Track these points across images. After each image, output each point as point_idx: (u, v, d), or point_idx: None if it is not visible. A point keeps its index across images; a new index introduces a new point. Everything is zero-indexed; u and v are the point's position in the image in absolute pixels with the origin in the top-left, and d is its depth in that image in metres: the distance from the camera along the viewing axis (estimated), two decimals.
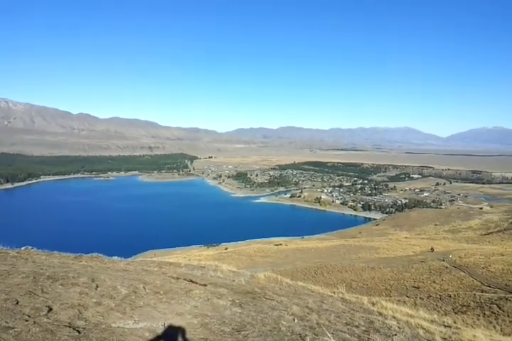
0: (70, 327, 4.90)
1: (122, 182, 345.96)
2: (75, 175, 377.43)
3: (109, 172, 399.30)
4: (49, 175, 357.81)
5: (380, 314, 9.95)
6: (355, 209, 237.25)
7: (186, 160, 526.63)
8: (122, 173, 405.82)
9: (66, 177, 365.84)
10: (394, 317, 9.81)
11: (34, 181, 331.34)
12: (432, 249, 77.17)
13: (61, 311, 5.41)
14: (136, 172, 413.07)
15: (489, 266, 48.23)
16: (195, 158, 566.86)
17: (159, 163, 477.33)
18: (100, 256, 11.98)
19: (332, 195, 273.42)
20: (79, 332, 4.80)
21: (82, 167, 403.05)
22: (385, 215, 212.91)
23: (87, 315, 5.52)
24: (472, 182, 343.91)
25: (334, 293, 12.21)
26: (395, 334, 7.46)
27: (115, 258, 12.53)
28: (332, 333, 6.43)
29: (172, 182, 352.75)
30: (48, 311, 5.32)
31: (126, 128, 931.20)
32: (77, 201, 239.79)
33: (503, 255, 57.63)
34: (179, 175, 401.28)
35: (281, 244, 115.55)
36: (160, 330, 5.47)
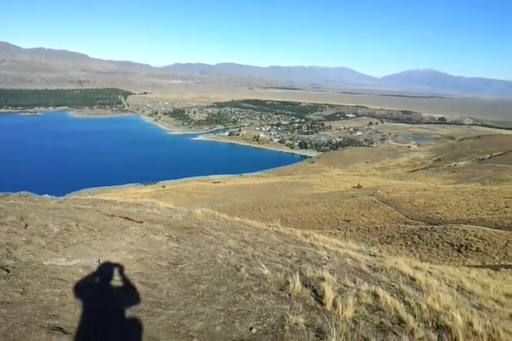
0: None
1: (51, 118, 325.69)
2: None
3: (36, 108, 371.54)
4: None
5: (312, 245, 10.48)
6: (292, 148, 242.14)
7: (120, 96, 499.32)
8: (51, 108, 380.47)
9: None
10: (325, 248, 10.39)
11: None
12: (360, 186, 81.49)
13: None
14: (66, 107, 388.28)
15: (413, 200, 52.00)
16: (130, 93, 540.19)
17: (91, 98, 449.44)
18: (29, 194, 11.45)
19: (270, 134, 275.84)
20: (8, 271, 4.64)
21: (5, 101, 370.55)
22: (320, 153, 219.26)
23: (17, 254, 5.33)
24: (403, 122, 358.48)
25: (270, 226, 12.63)
26: (325, 264, 7.93)
27: (46, 196, 12.04)
28: (266, 264, 6.69)
29: (105, 118, 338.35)
30: None
31: (53, 60, 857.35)
32: (3, 138, 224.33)
33: (425, 190, 62.17)
34: (112, 111, 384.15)
35: (219, 182, 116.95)
36: (94, 266, 5.41)
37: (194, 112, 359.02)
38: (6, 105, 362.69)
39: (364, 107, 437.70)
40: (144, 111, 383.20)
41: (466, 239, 29.13)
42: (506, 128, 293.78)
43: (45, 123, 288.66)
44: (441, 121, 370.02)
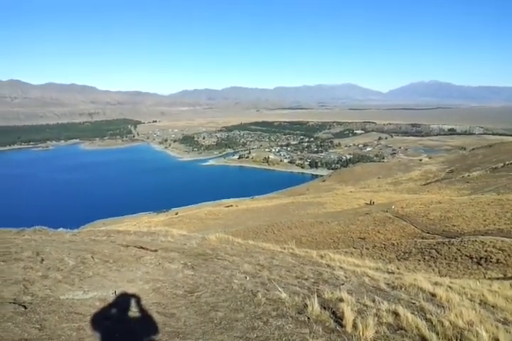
0: (15, 303, 4.75)
1: (63, 151, 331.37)
2: (11, 147, 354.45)
3: (48, 142, 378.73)
4: None
5: (329, 266, 10.37)
6: (302, 167, 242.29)
7: (129, 126, 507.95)
8: (62, 142, 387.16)
9: (1, 149, 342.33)
10: (341, 267, 10.26)
11: None
12: (372, 202, 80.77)
13: (4, 288, 5.22)
14: (77, 140, 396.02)
15: (428, 214, 51.25)
16: (139, 122, 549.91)
17: (101, 130, 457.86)
18: (44, 228, 11.55)
19: (280, 154, 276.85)
20: (25, 308, 4.66)
21: (18, 137, 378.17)
22: (331, 171, 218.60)
23: (34, 289, 5.37)
24: (412, 136, 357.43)
25: (284, 248, 12.54)
26: (343, 284, 7.83)
27: (61, 230, 12.14)
28: (283, 287, 6.64)
29: (116, 148, 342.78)
30: None
31: (62, 94, 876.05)
32: (17, 173, 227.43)
33: (440, 203, 61.38)
34: (123, 141, 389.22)
35: (231, 206, 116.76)
36: (111, 298, 5.42)
37: (203, 137, 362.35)
38: (18, 141, 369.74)
39: (372, 123, 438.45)
40: (154, 139, 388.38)
41: (485, 251, 28.52)
42: None
43: (57, 157, 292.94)
44: (451, 132, 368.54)
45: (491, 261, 26.75)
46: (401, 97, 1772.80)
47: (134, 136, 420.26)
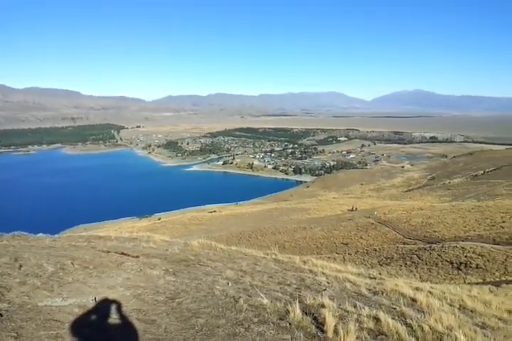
0: None
1: (45, 156, 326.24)
2: None
3: (30, 146, 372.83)
4: None
5: (311, 271, 10.37)
6: (286, 173, 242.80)
7: (113, 131, 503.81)
8: (44, 146, 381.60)
9: None
10: (324, 273, 10.27)
11: None
12: (354, 208, 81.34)
13: None
14: (59, 144, 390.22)
15: (410, 220, 51.82)
16: (123, 127, 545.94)
17: (84, 135, 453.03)
18: (23, 234, 11.34)
19: (264, 160, 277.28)
20: (1, 315, 4.56)
21: None
22: (315, 177, 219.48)
23: (11, 296, 5.26)
24: (394, 143, 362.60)
25: (267, 254, 12.51)
26: (324, 289, 7.84)
27: (40, 235, 11.94)
28: (265, 293, 6.62)
29: (99, 153, 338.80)
30: None
31: (45, 99, 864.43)
32: None
33: (422, 209, 62.13)
34: (106, 146, 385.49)
35: (215, 211, 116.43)
36: (91, 305, 5.34)
37: (187, 143, 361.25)
38: None
39: (356, 130, 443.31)
40: (137, 144, 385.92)
41: (465, 256, 28.95)
42: (497, 144, 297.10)
43: (38, 161, 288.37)
44: (433, 139, 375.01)
45: (470, 267, 27.15)
46: (384, 105, 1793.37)
47: (117, 141, 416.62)
